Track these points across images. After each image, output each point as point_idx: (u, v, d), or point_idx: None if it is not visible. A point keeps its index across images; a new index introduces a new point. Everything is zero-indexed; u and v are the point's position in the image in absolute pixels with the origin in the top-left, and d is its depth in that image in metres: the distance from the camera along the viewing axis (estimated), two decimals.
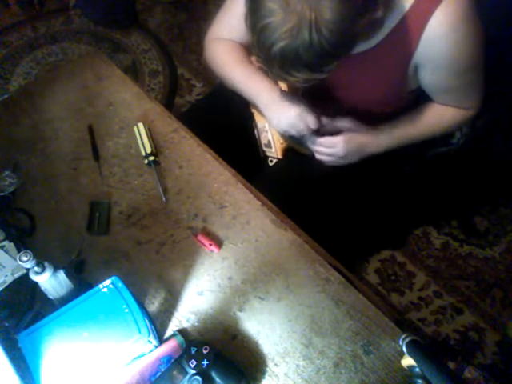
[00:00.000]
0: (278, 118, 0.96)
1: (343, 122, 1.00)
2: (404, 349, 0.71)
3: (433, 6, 0.80)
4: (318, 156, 1.03)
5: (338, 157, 1.00)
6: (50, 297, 0.76)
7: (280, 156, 1.12)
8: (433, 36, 0.83)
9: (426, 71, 0.91)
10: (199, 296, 0.85)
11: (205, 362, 0.70)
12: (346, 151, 0.99)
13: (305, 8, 0.65)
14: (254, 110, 1.12)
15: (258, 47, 0.73)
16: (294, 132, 0.96)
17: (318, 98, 1.06)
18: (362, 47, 0.89)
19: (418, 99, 1.04)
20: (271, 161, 1.15)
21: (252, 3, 0.71)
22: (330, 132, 1.00)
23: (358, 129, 1.00)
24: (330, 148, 1.00)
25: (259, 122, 1.12)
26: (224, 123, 1.19)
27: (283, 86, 1.04)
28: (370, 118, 1.05)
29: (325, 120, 0.98)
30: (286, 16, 0.67)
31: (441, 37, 0.82)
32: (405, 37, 0.85)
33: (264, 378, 0.77)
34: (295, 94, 0.96)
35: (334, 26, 0.67)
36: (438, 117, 1.02)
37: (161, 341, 0.79)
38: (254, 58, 1.10)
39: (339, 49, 0.72)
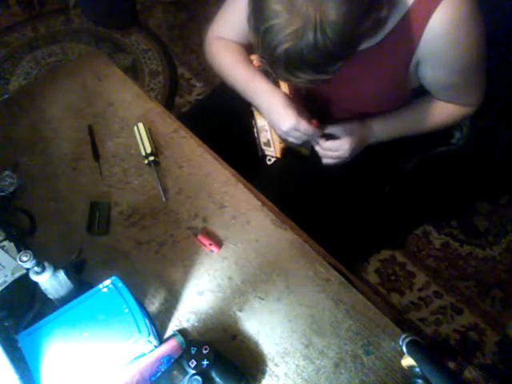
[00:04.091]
0: (276, 125, 0.97)
1: (336, 129, 1.01)
2: (404, 349, 0.71)
3: (435, 3, 0.80)
4: (324, 161, 1.04)
5: (344, 158, 1.02)
6: (50, 297, 0.76)
7: (279, 155, 1.12)
8: (434, 33, 0.83)
9: (427, 68, 0.90)
10: (199, 296, 0.85)
11: (205, 362, 0.70)
12: (351, 151, 1.01)
13: (310, 9, 0.65)
14: (254, 109, 1.12)
15: (262, 49, 0.73)
16: (292, 140, 0.98)
17: (319, 98, 1.06)
18: (363, 45, 0.89)
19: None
20: (269, 160, 1.15)
21: (255, 4, 0.70)
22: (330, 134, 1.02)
23: (353, 127, 1.01)
24: (335, 152, 1.01)
25: (259, 120, 1.12)
26: (224, 123, 1.19)
27: (283, 86, 1.04)
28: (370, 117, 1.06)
29: (323, 128, 1.00)
30: (290, 18, 0.66)
31: (442, 33, 0.82)
32: (407, 34, 0.85)
33: (264, 378, 0.77)
34: (294, 101, 0.97)
35: (339, 27, 0.67)
36: (437, 110, 1.02)
37: (161, 341, 0.79)
38: (254, 57, 1.10)
39: (344, 50, 0.72)
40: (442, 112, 1.02)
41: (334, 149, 1.01)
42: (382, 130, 1.04)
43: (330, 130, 1.01)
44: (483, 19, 0.83)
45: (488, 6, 0.85)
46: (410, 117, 1.03)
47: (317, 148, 1.03)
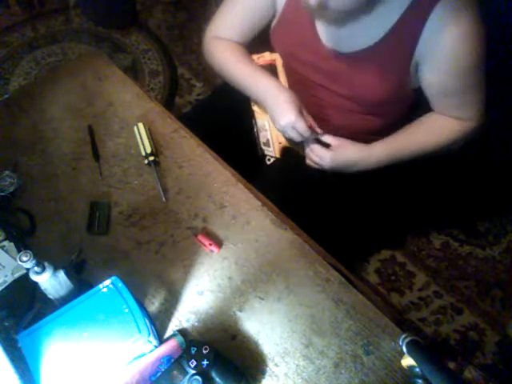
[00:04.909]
0: (276, 119, 0.97)
1: (331, 140, 1.02)
2: (404, 349, 0.71)
3: (433, 2, 0.80)
4: (307, 161, 1.05)
5: (324, 168, 1.03)
6: (50, 297, 0.76)
7: (278, 155, 1.13)
8: (433, 31, 0.82)
9: (426, 68, 0.90)
10: (199, 296, 0.85)
11: (205, 362, 0.70)
12: (333, 166, 1.02)
13: None
14: (254, 108, 1.12)
15: None
16: (287, 136, 0.99)
17: (320, 97, 1.06)
18: (363, 44, 0.89)
19: (418, 103, 1.04)
20: (269, 159, 1.15)
21: None
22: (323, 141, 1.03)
23: (346, 145, 1.01)
24: (318, 158, 1.02)
25: (259, 120, 1.13)
26: (225, 123, 1.19)
27: (283, 82, 1.04)
28: (370, 123, 1.06)
29: (318, 130, 1.00)
30: None
31: (441, 32, 0.82)
32: (405, 33, 0.85)
33: (264, 378, 0.77)
34: (296, 97, 0.97)
35: None
36: (435, 132, 1.01)
37: (161, 341, 0.79)
38: (255, 56, 1.10)
39: None
40: (443, 128, 1.00)
41: (317, 154, 1.01)
42: (380, 159, 1.03)
43: (325, 138, 1.02)
44: (483, 20, 0.83)
45: (488, 7, 0.85)
46: (413, 142, 1.02)
47: (305, 148, 1.03)
